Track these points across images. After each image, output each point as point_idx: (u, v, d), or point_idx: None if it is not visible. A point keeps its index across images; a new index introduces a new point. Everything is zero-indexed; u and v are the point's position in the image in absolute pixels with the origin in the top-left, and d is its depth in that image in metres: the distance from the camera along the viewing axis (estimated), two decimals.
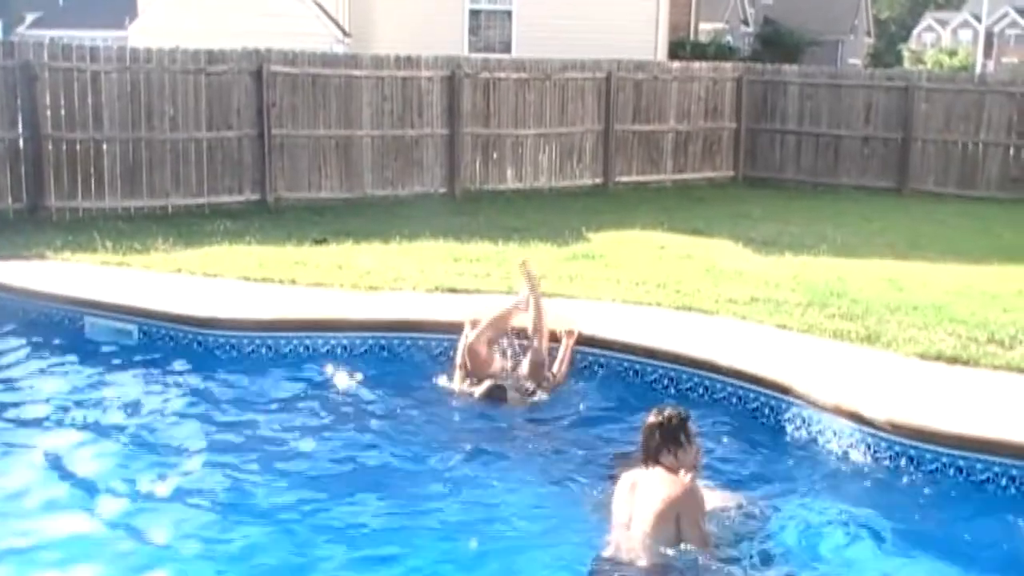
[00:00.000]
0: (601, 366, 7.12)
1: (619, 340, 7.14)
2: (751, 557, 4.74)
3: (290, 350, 7.39)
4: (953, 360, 6.85)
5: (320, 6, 21.67)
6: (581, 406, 6.71)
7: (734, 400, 6.58)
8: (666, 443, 4.85)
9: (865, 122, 16.55)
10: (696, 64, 17.73)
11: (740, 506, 5.20)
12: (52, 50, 12.01)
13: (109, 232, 10.59)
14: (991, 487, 5.47)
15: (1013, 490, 5.43)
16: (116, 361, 7.28)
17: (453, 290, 8.45)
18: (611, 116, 15.74)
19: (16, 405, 6.47)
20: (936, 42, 78.18)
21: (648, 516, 4.54)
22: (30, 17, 44.71)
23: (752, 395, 6.49)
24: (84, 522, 4.99)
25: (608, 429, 6.36)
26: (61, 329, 7.83)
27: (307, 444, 6.01)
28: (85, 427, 6.13)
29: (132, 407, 6.46)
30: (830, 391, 6.11)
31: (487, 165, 14.94)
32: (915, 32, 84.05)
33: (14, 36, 33.83)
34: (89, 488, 5.33)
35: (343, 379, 6.93)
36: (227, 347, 7.40)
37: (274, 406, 6.57)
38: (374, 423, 6.33)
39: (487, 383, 6.69)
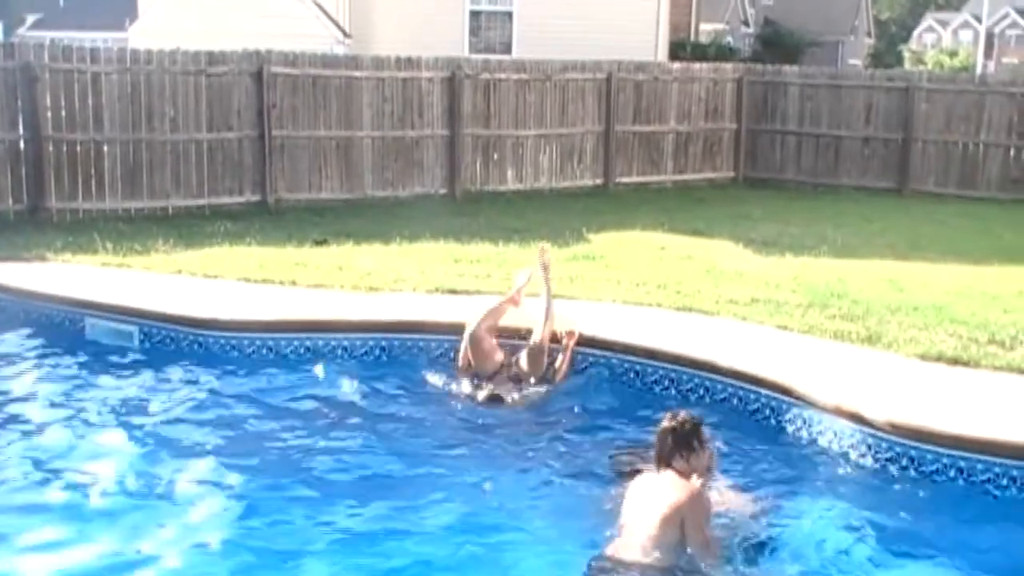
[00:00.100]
0: (602, 367, 7.11)
1: (620, 341, 7.13)
2: (752, 558, 4.74)
3: (291, 351, 7.39)
4: (954, 361, 6.85)
5: (320, 7, 21.68)
6: (581, 407, 6.70)
7: (735, 401, 6.57)
8: (679, 448, 4.88)
9: (865, 123, 16.55)
10: (696, 65, 17.72)
11: (747, 507, 5.20)
12: (52, 51, 12.01)
13: (109, 233, 10.59)
14: (992, 488, 5.47)
15: (1014, 491, 5.43)
16: (116, 362, 7.29)
17: (453, 291, 8.45)
18: (611, 117, 15.74)
19: (16, 405, 6.46)
20: (936, 43, 78.21)
21: (653, 519, 4.55)
22: (30, 18, 44.76)
23: (753, 396, 6.48)
24: (83, 523, 5.00)
25: (608, 430, 6.37)
26: (61, 330, 7.82)
27: (307, 445, 6.01)
28: (85, 428, 6.13)
29: (132, 408, 6.46)
30: (831, 392, 6.11)
31: (487, 166, 14.94)
32: (915, 33, 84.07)
33: (14, 37, 33.87)
34: (89, 488, 5.33)
35: (343, 380, 6.93)
36: (227, 348, 7.40)
37: (274, 407, 6.57)
38: (374, 424, 6.33)
39: (488, 389, 6.71)
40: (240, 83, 12.93)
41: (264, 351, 7.39)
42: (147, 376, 7.03)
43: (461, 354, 7.05)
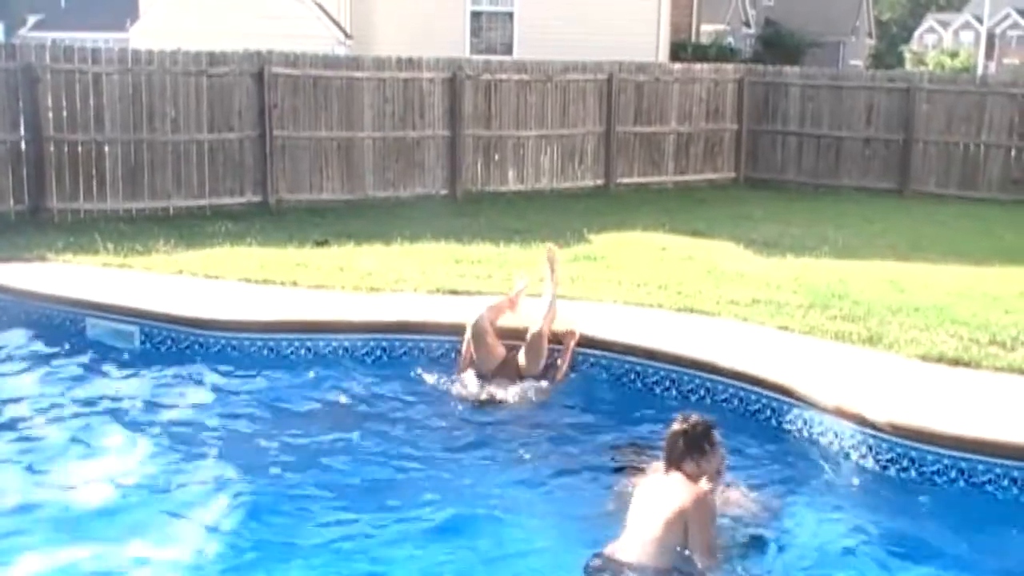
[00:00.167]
0: (602, 367, 7.11)
1: (620, 341, 7.13)
2: (752, 559, 4.74)
3: (291, 351, 7.39)
4: (955, 362, 6.84)
5: (321, 8, 21.69)
6: (581, 408, 6.70)
7: (735, 402, 6.57)
8: (690, 450, 4.85)
9: (866, 123, 16.54)
10: (697, 66, 17.72)
11: (747, 507, 5.20)
12: (54, 52, 12.02)
13: (110, 234, 10.60)
14: (993, 489, 5.47)
15: (1015, 492, 5.42)
16: (117, 362, 7.29)
17: (454, 292, 8.45)
18: (612, 118, 15.74)
19: (17, 406, 6.46)
20: (937, 43, 78.23)
21: (657, 521, 4.54)
22: (32, 19, 44.80)
23: (754, 397, 6.48)
24: (82, 523, 4.99)
25: (608, 431, 6.36)
26: (62, 331, 7.82)
27: (307, 445, 6.01)
28: (85, 429, 6.12)
29: (133, 409, 6.46)
30: (832, 393, 6.11)
31: (488, 167, 14.94)
32: (916, 33, 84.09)
33: (16, 38, 33.93)
34: (87, 488, 5.33)
35: (344, 381, 6.93)
36: (228, 348, 7.40)
37: (274, 407, 6.57)
38: (374, 424, 6.33)
39: (487, 392, 6.73)
40: (241, 84, 12.93)
41: (265, 351, 7.39)
42: (147, 376, 7.04)
43: (464, 348, 7.07)
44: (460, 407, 6.67)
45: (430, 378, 7.02)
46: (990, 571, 4.87)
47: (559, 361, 7.02)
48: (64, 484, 5.42)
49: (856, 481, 5.74)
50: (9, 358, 7.35)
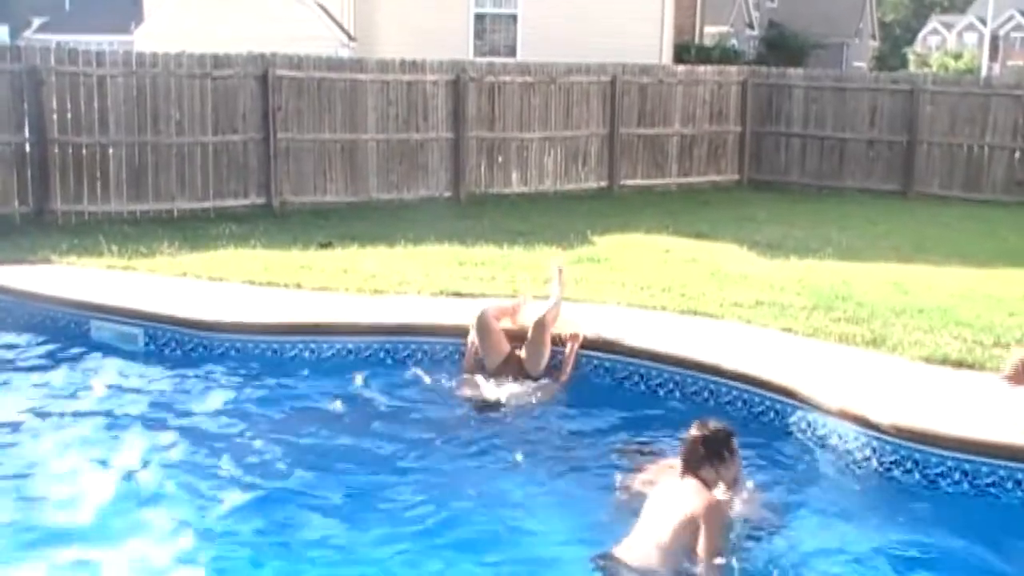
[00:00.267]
0: (606, 370, 7.12)
1: (624, 344, 7.13)
2: (755, 561, 4.74)
3: (295, 354, 7.40)
4: (959, 364, 6.84)
5: (325, 10, 21.71)
6: (585, 409, 6.70)
7: (739, 404, 6.57)
8: (709, 457, 4.84)
9: (870, 125, 16.53)
10: (701, 68, 17.73)
11: (751, 509, 5.20)
12: (58, 54, 12.03)
13: (115, 236, 10.62)
14: (996, 491, 5.46)
15: (1019, 494, 5.42)
16: (121, 364, 7.30)
17: (458, 294, 8.45)
18: (616, 119, 15.74)
19: (19, 407, 6.48)
20: (941, 45, 78.17)
21: (668, 526, 4.53)
22: (36, 21, 44.85)
23: (757, 399, 6.48)
24: (78, 526, 5.01)
25: (612, 434, 6.37)
26: (67, 333, 7.84)
27: (311, 447, 6.02)
28: (88, 431, 6.14)
29: (137, 410, 6.47)
30: (835, 395, 6.11)
31: (492, 169, 14.94)
32: (920, 35, 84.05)
33: (21, 40, 33.94)
34: (88, 489, 5.34)
35: (348, 383, 6.94)
36: (232, 350, 7.41)
37: (279, 409, 6.58)
38: (377, 426, 6.34)
39: (491, 393, 6.73)
40: (245, 86, 12.95)
41: (268, 353, 7.40)
42: (151, 378, 7.05)
43: (468, 343, 7.09)
44: (464, 409, 6.68)
45: (434, 380, 7.03)
46: (993, 573, 4.87)
47: (562, 362, 7.02)
48: (65, 485, 5.43)
49: (859, 483, 5.73)
50: (13, 360, 7.37)
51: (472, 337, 7.09)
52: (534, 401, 6.74)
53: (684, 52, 25.02)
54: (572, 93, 15.44)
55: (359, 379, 6.99)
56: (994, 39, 60.66)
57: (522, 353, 6.96)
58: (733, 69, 18.02)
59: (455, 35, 21.14)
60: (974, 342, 7.28)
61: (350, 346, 7.43)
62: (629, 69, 16.02)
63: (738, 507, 5.13)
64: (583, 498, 5.48)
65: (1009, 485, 5.45)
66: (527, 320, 7.14)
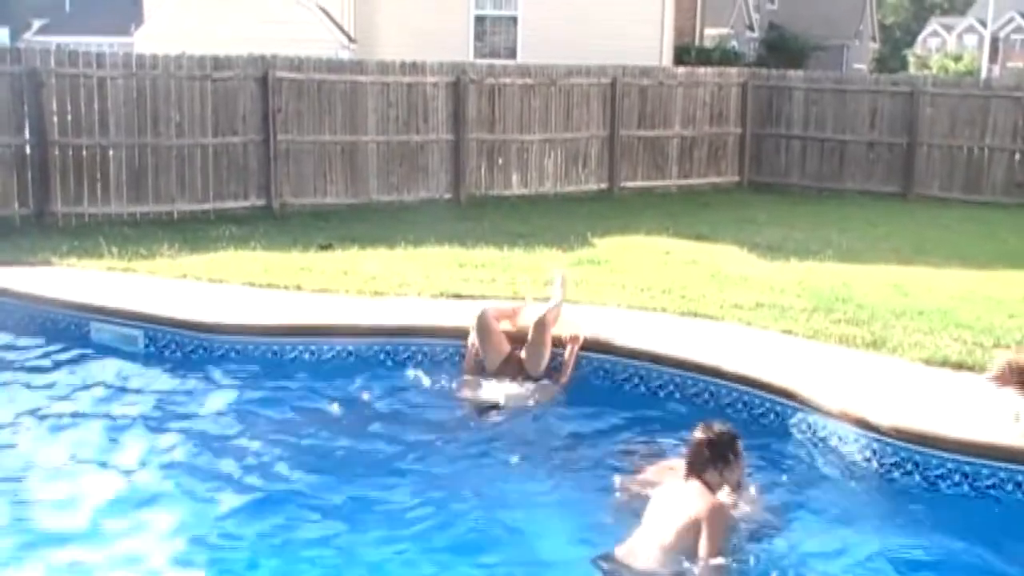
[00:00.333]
0: (606, 372, 7.12)
1: (624, 345, 7.13)
2: (755, 563, 4.74)
3: (295, 355, 7.40)
4: (959, 365, 6.84)
5: (325, 12, 21.70)
6: (585, 411, 6.70)
7: (739, 406, 6.57)
8: (714, 460, 4.85)
9: (870, 127, 16.53)
10: (701, 69, 17.73)
11: (757, 510, 5.20)
12: (58, 56, 12.03)
13: (115, 238, 10.62)
14: (996, 493, 5.46)
15: (1019, 496, 5.42)
16: (121, 366, 7.30)
17: (458, 296, 8.45)
18: (616, 121, 15.74)
19: (20, 409, 6.48)
20: (941, 47, 78.21)
21: (671, 528, 4.53)
22: (37, 23, 44.83)
23: (758, 401, 6.48)
24: (77, 527, 5.01)
25: (612, 436, 6.36)
26: (67, 335, 7.84)
27: (311, 448, 6.02)
28: (88, 432, 6.14)
29: (136, 412, 6.47)
30: (836, 397, 6.11)
31: (492, 171, 14.95)
32: (920, 37, 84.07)
33: (21, 42, 33.98)
34: (87, 490, 5.34)
35: (347, 385, 6.94)
36: (232, 352, 7.41)
37: (279, 411, 6.59)
38: (377, 428, 6.34)
39: (491, 394, 6.73)
40: (245, 88, 12.95)
41: (268, 355, 7.40)
42: (151, 379, 7.05)
43: (468, 345, 7.09)
44: (464, 410, 6.68)
45: (434, 381, 7.03)
46: (992, 572, 4.87)
47: (563, 364, 7.02)
48: (65, 486, 5.43)
49: (860, 485, 5.73)
50: (14, 361, 7.37)
51: (472, 338, 7.10)
52: (534, 402, 6.74)
53: (684, 54, 25.01)
54: (572, 95, 15.44)
55: (359, 381, 6.99)
56: (994, 41, 60.68)
57: (522, 354, 6.97)
58: (733, 71, 18.02)
59: (455, 37, 21.13)
60: (974, 344, 7.28)
61: (350, 348, 7.43)
62: (629, 71, 16.03)
63: (741, 510, 5.14)
64: (583, 499, 5.49)
65: (1009, 487, 5.44)
66: (527, 322, 7.14)
